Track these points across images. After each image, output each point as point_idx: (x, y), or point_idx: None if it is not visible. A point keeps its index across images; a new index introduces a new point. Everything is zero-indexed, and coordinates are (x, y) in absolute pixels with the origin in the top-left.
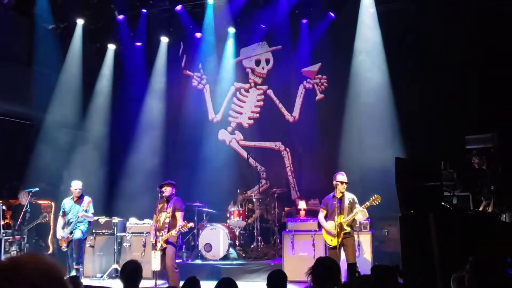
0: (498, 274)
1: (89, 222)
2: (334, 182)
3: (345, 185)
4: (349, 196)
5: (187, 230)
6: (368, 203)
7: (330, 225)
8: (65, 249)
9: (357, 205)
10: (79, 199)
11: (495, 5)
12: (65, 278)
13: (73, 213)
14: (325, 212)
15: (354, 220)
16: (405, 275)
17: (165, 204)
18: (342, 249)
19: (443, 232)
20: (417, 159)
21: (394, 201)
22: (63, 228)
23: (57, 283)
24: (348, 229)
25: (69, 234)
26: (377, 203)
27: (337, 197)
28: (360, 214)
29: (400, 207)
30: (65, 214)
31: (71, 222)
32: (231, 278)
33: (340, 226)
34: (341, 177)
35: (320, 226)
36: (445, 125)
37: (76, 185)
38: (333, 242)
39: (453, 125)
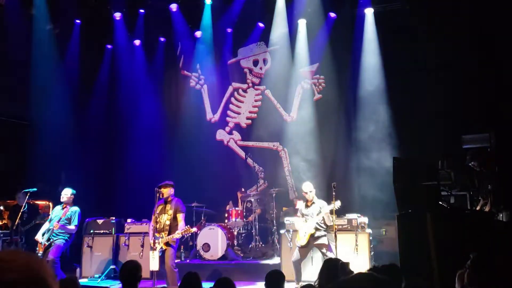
0: (497, 271)
1: (71, 235)
2: (303, 192)
3: (309, 194)
4: (319, 204)
5: (190, 234)
6: (328, 209)
7: (299, 226)
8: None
9: (324, 211)
10: (66, 207)
11: (492, 5)
12: (48, 274)
13: (54, 221)
14: (302, 217)
15: (323, 221)
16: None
17: (165, 205)
18: (311, 249)
19: (441, 232)
20: (415, 159)
21: (392, 200)
22: (43, 234)
23: (37, 280)
24: (313, 231)
25: (46, 242)
26: (337, 207)
27: (308, 206)
28: (325, 218)
29: (398, 206)
30: (50, 220)
31: (49, 230)
32: (229, 278)
33: (308, 229)
34: (304, 187)
35: None
36: (443, 124)
37: (64, 192)
38: (299, 241)
39: (451, 124)
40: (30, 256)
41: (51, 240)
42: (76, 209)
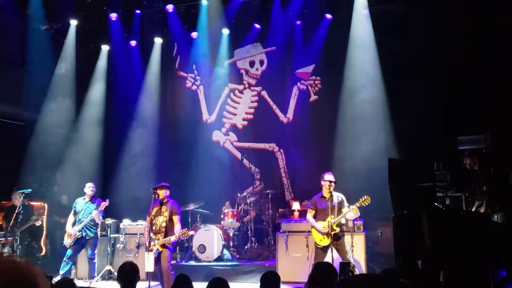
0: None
1: (96, 225)
2: (322, 182)
3: (333, 184)
4: (337, 196)
5: (187, 237)
6: (358, 204)
7: (321, 225)
8: (68, 246)
9: (346, 205)
10: (92, 200)
11: (487, 6)
12: (38, 275)
13: (85, 212)
14: (313, 212)
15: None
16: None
17: (161, 206)
18: (333, 249)
19: (436, 233)
20: (410, 160)
21: (388, 201)
22: (72, 225)
23: (26, 281)
24: (337, 229)
25: (77, 232)
26: (367, 204)
27: (325, 197)
28: (352, 212)
29: (394, 207)
30: (75, 213)
31: (82, 221)
32: (222, 278)
33: (330, 227)
34: (329, 176)
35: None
36: (438, 126)
37: (88, 187)
38: (323, 242)
39: (446, 126)
40: (17, 259)
41: (84, 233)
42: (105, 203)
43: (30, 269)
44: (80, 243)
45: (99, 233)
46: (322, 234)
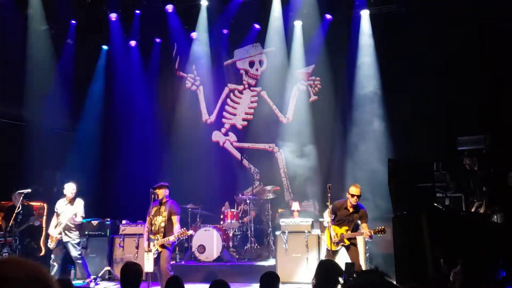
0: (488, 276)
1: (79, 226)
2: (347, 194)
3: (356, 198)
4: (361, 212)
5: (185, 237)
6: (373, 231)
7: (333, 231)
8: (52, 248)
9: (366, 222)
10: (72, 201)
11: (487, 7)
12: (51, 280)
13: (65, 215)
14: (332, 216)
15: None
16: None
17: (160, 206)
18: (339, 254)
19: (436, 233)
20: (410, 161)
21: (387, 202)
22: (55, 227)
23: (43, 281)
24: (347, 242)
25: (57, 235)
26: (381, 236)
27: (348, 210)
28: (366, 237)
29: (393, 208)
30: (58, 215)
31: (61, 224)
32: (224, 280)
33: (341, 237)
34: (353, 189)
35: (313, 227)
36: (438, 126)
37: (68, 188)
38: (332, 247)
39: (446, 126)
40: (34, 262)
41: (64, 235)
42: (80, 201)
43: (47, 273)
44: (62, 245)
45: (77, 234)
46: (332, 240)
